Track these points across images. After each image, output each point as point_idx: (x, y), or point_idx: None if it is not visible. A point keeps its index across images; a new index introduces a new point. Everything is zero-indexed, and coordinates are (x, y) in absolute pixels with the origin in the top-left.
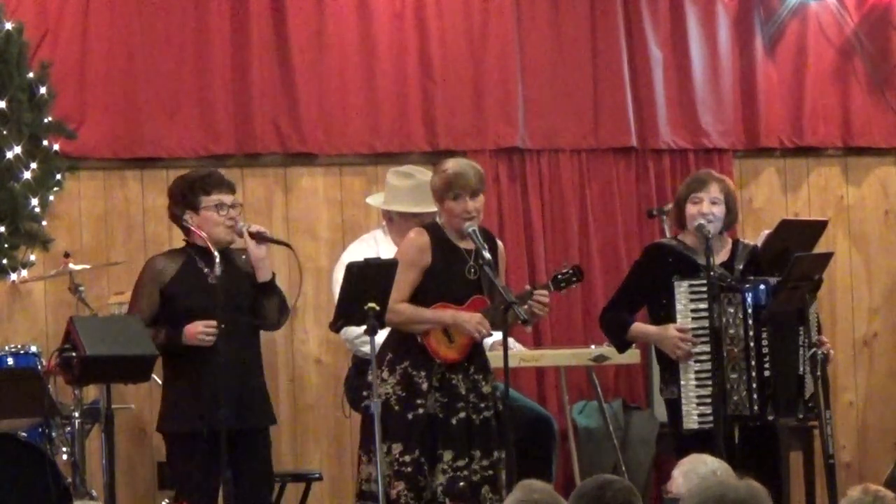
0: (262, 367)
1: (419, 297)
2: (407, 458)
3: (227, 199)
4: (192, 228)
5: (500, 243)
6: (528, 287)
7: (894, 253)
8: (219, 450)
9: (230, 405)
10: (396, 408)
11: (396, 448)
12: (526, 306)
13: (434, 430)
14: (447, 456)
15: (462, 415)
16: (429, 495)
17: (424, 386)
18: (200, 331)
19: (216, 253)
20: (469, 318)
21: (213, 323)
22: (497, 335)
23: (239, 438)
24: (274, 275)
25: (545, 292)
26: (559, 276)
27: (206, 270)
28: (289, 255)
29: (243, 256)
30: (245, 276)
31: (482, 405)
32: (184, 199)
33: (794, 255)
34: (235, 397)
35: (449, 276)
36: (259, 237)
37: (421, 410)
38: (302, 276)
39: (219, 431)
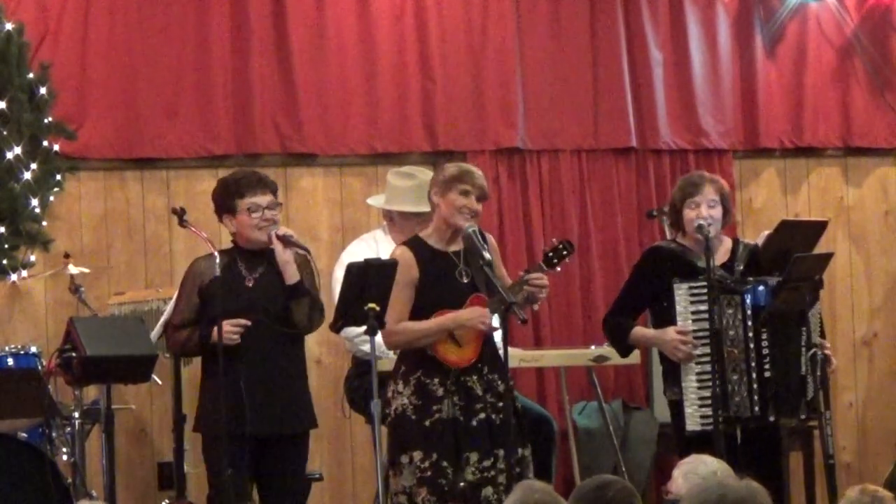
0: (303, 373)
1: (417, 311)
2: (426, 464)
3: (261, 200)
4: (196, 231)
5: (490, 238)
6: (521, 273)
7: (894, 253)
8: (244, 453)
9: (259, 410)
10: (413, 417)
11: (417, 455)
12: (524, 293)
13: (456, 433)
14: (473, 458)
15: (482, 415)
16: (450, 497)
17: (440, 392)
18: (227, 329)
19: (216, 253)
20: (470, 315)
21: (242, 321)
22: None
23: (272, 443)
24: (301, 278)
25: (539, 274)
26: (550, 254)
27: (244, 273)
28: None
29: None
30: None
31: (500, 405)
32: (222, 203)
33: (794, 255)
34: (266, 402)
35: (441, 284)
36: (285, 241)
37: (438, 416)
38: (319, 278)
39: (247, 435)
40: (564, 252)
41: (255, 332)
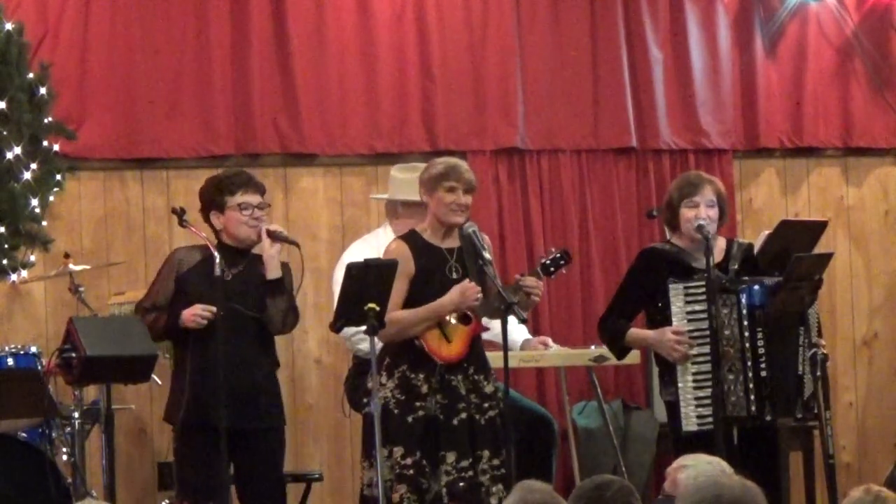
0: (271, 368)
1: (410, 304)
2: (408, 461)
3: (252, 199)
4: (196, 231)
5: (486, 237)
6: (517, 276)
7: (894, 253)
8: (219, 447)
9: (228, 402)
10: (396, 411)
11: (397, 451)
12: (517, 297)
13: (435, 431)
14: (450, 457)
15: (463, 415)
16: (431, 497)
17: (424, 388)
18: (197, 312)
19: (216, 253)
20: (459, 294)
21: (211, 308)
22: (525, 334)
23: (241, 438)
24: (283, 275)
25: (533, 280)
26: (547, 262)
27: (225, 268)
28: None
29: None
30: (262, 282)
31: (486, 405)
32: (210, 199)
33: (794, 255)
34: (234, 395)
35: (435, 279)
36: (274, 236)
37: (421, 413)
38: (303, 274)
39: (218, 428)
40: (562, 262)
41: (229, 322)
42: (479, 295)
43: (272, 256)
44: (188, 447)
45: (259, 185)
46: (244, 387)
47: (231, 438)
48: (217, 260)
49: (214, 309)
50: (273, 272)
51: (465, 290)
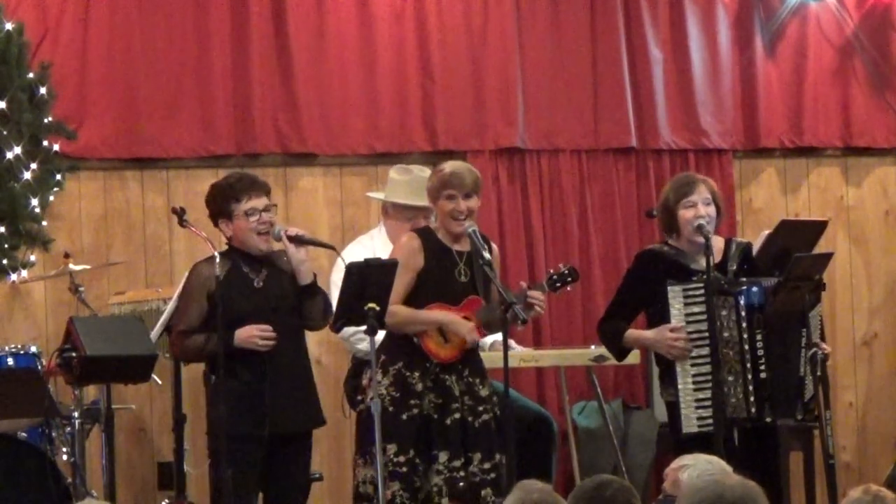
0: (311, 371)
1: (413, 299)
2: (401, 459)
3: (258, 203)
4: (196, 231)
5: (494, 246)
6: (523, 285)
7: (894, 253)
8: (259, 454)
9: (277, 409)
10: (390, 409)
11: (391, 449)
12: (520, 305)
13: (429, 430)
14: (442, 457)
15: (457, 416)
16: (423, 496)
17: (419, 387)
18: (255, 335)
19: (216, 253)
20: (464, 324)
21: (268, 328)
22: (495, 336)
23: (284, 442)
24: (315, 276)
25: (539, 293)
26: (554, 277)
27: (250, 275)
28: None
29: (284, 258)
30: (288, 278)
31: (480, 408)
32: (218, 208)
33: (794, 255)
34: (283, 401)
35: (441, 278)
36: (298, 240)
37: (415, 411)
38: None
39: (274, 435)
40: (569, 279)
41: (278, 329)
42: (476, 340)
43: (302, 261)
44: (244, 457)
45: (263, 185)
46: (295, 392)
47: (274, 443)
48: (217, 261)
49: (272, 332)
50: (306, 277)
51: (462, 327)
